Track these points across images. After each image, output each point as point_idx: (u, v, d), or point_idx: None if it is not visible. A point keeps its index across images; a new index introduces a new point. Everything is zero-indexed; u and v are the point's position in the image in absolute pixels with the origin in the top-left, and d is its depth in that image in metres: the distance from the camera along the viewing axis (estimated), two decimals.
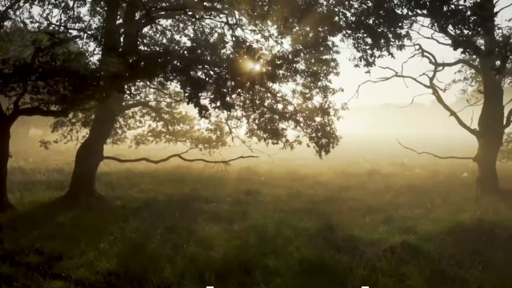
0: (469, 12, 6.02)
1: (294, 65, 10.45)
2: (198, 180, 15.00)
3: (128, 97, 15.03)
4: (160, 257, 6.18)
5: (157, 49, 13.03)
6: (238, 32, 13.13)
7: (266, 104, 11.76)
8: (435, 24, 6.40)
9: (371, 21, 7.35)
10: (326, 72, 13.03)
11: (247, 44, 11.18)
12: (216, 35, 13.69)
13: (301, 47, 11.16)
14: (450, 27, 6.31)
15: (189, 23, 14.67)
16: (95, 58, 11.19)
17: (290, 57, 10.79)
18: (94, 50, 11.43)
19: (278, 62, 10.42)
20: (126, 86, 13.65)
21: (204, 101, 7.54)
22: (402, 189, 12.40)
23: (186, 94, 6.11)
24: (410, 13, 6.54)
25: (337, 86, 11.83)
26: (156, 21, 14.33)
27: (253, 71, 9.71)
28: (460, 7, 6.16)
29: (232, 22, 13.56)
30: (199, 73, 6.63)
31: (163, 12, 10.82)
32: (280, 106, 12.29)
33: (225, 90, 6.48)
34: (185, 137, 16.35)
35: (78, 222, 8.43)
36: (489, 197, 10.42)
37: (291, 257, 6.36)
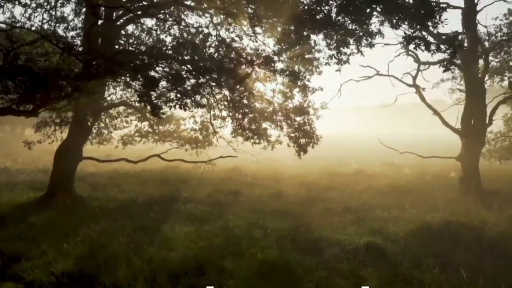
0: (415, 7, 5.90)
1: (274, 64, 10.37)
2: (182, 181, 14.95)
3: (113, 96, 15.16)
4: (119, 258, 6.10)
5: (143, 48, 12.99)
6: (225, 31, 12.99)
7: (246, 103, 11.74)
8: (389, 20, 6.31)
9: (340, 18, 7.23)
10: (310, 71, 13.01)
11: (226, 43, 11.15)
12: (201, 35, 13.67)
13: (282, 45, 11.10)
14: (400, 22, 6.20)
15: (175, 23, 14.64)
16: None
17: (271, 56, 10.76)
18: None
19: (258, 61, 10.41)
20: (109, 85, 13.78)
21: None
22: (385, 189, 12.27)
23: (137, 93, 6.04)
24: (367, 9, 6.44)
25: (325, 86, 11.77)
26: (141, 20, 14.35)
27: (232, 70, 9.67)
28: (408, 1, 6.05)
29: (216, 21, 13.59)
30: (159, 71, 6.58)
31: (139, 12, 10.73)
32: (260, 105, 12.28)
33: (182, 89, 6.40)
34: (172, 137, 16.29)
35: (49, 223, 8.37)
36: (469, 197, 10.29)
37: (253, 258, 6.27)
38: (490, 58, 15.13)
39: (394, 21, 6.09)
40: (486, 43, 14.31)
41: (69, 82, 5.78)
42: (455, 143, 13.96)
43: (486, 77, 15.95)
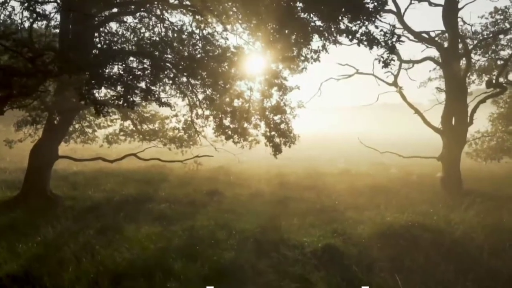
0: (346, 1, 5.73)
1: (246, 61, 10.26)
2: (164, 180, 14.83)
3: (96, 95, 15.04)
4: (69, 259, 5.98)
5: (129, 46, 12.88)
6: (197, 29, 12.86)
7: (227, 101, 11.66)
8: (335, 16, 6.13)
9: (305, 15, 7.06)
10: (293, 70, 12.85)
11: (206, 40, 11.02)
12: (181, 33, 13.54)
13: (261, 43, 10.95)
14: (341, 17, 6.03)
15: (158, 21, 14.53)
16: None
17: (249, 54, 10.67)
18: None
19: (236, 59, 10.30)
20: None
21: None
22: (365, 190, 12.07)
23: (78, 91, 5.91)
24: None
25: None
26: (124, 18, 14.24)
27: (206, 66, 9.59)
28: None
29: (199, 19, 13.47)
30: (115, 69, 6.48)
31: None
32: (239, 104, 12.14)
33: (132, 86, 6.27)
34: (156, 136, 16.19)
35: (14, 222, 8.28)
36: (447, 197, 10.08)
37: (207, 261, 6.12)
38: (477, 57, 14.89)
39: (337, 15, 5.91)
40: (474, 41, 14.06)
41: (18, 81, 5.66)
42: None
43: (475, 77, 15.72)
